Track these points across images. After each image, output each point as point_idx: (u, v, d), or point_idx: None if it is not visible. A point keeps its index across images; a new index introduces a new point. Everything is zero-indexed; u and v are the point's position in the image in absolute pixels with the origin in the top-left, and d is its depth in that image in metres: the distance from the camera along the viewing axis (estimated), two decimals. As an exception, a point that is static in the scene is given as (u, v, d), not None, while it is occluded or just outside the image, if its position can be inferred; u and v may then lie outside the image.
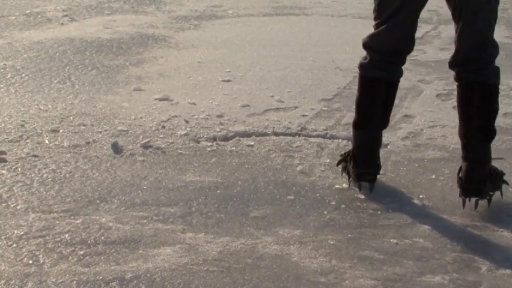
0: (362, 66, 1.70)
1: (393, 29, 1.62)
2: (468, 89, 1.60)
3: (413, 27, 1.66)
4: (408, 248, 1.47)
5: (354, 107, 2.46)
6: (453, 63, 1.62)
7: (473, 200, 1.59)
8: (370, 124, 1.70)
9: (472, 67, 1.59)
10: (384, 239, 1.50)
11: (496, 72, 1.62)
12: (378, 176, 1.73)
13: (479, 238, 1.51)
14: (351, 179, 1.71)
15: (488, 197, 1.61)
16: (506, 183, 1.67)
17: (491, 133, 1.61)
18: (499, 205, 1.67)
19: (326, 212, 1.61)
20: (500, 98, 2.54)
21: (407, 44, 1.66)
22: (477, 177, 1.58)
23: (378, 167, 1.71)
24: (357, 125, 1.72)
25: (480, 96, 1.59)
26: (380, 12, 1.63)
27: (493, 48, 1.60)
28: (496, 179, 1.64)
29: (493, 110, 1.61)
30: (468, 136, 1.60)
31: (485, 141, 1.60)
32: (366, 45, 1.67)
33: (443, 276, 1.36)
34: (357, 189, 1.74)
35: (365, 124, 1.70)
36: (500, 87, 2.75)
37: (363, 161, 1.69)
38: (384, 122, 1.72)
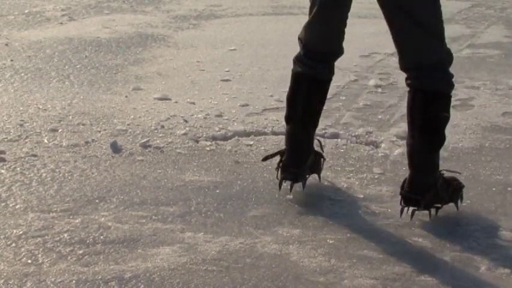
0: (293, 60, 1.66)
1: (313, 26, 1.59)
2: (412, 96, 1.53)
3: (332, 29, 1.59)
4: (408, 247, 1.47)
5: (354, 106, 2.48)
6: (401, 68, 1.56)
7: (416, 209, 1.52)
8: (291, 121, 1.64)
9: (415, 73, 1.51)
10: (383, 239, 1.50)
11: (446, 79, 1.51)
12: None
13: (479, 238, 1.51)
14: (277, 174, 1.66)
15: (432, 209, 1.54)
16: (461, 198, 1.60)
17: (434, 142, 1.52)
18: (499, 205, 1.67)
19: (325, 212, 1.61)
20: (499, 98, 2.57)
21: (328, 44, 1.60)
22: (415, 187, 1.51)
23: (303, 169, 1.62)
24: (285, 119, 1.67)
25: (423, 103, 1.50)
26: (310, 7, 1.60)
27: (441, 54, 1.50)
28: (448, 191, 1.56)
29: (439, 118, 1.52)
30: (411, 144, 1.53)
31: (428, 150, 1.52)
32: (298, 38, 1.63)
33: (442, 275, 1.36)
34: (357, 189, 1.74)
35: (288, 120, 1.65)
36: (499, 86, 2.80)
37: (287, 157, 1.64)
38: (307, 121, 1.62)
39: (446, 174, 1.61)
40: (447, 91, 1.53)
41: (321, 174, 1.80)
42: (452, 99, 2.52)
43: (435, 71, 1.50)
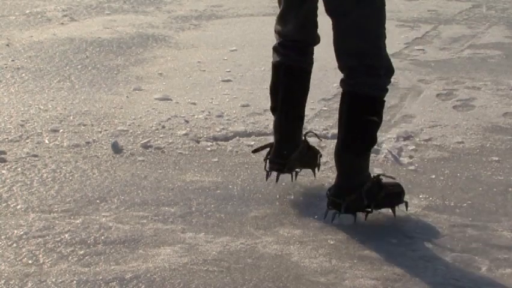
0: (272, 50, 1.66)
1: (284, 16, 1.59)
2: (341, 97, 1.52)
3: (302, 18, 1.57)
4: (408, 248, 1.46)
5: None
6: (338, 68, 1.55)
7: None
8: (275, 112, 1.64)
9: (346, 74, 1.50)
10: (384, 239, 1.49)
11: (377, 83, 1.48)
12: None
13: (479, 238, 1.51)
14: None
15: (359, 213, 1.51)
16: (401, 203, 1.55)
17: (358, 145, 1.50)
18: (500, 205, 1.67)
19: (325, 211, 1.61)
20: (500, 98, 2.56)
21: (300, 33, 1.58)
22: (337, 190, 1.50)
23: (289, 160, 1.62)
24: (270, 110, 1.68)
25: (349, 105, 1.49)
26: None
27: (374, 58, 1.48)
28: (378, 195, 1.51)
29: (364, 122, 1.49)
30: (336, 145, 1.52)
31: (350, 152, 1.50)
32: (274, 29, 1.63)
33: (443, 276, 1.36)
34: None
35: (272, 111, 1.66)
36: (500, 87, 2.80)
37: (273, 149, 1.65)
38: (289, 111, 1.62)
39: (396, 179, 1.61)
40: (375, 95, 1.49)
41: (322, 175, 1.80)
42: (454, 99, 2.57)
43: (366, 75, 1.48)
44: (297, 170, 1.71)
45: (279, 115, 1.64)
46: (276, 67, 1.65)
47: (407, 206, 1.59)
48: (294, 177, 1.70)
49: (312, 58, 1.66)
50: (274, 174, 1.70)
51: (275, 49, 1.64)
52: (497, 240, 1.50)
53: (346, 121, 1.51)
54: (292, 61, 1.62)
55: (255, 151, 1.73)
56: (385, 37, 1.51)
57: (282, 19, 1.61)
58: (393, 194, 1.56)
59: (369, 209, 1.53)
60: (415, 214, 1.62)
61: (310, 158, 1.72)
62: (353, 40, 1.48)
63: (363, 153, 1.52)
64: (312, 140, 2.10)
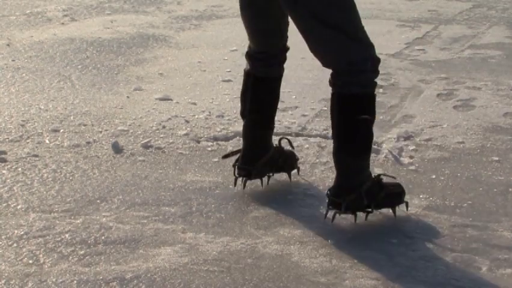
0: None
1: (245, 27, 1.61)
2: (331, 98, 1.51)
3: (255, 29, 1.57)
4: (409, 248, 1.46)
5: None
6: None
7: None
8: (243, 117, 1.66)
9: (332, 75, 1.49)
10: (384, 239, 1.49)
11: (362, 80, 1.46)
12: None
13: (479, 238, 1.51)
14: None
15: (360, 213, 1.50)
16: (401, 203, 1.55)
17: (353, 145, 1.48)
18: (500, 206, 1.67)
19: (325, 212, 1.61)
20: (500, 98, 2.56)
21: (257, 44, 1.59)
22: (336, 190, 1.50)
23: (257, 166, 1.62)
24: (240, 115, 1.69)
25: (337, 106, 1.48)
26: None
27: (355, 56, 1.45)
28: (379, 195, 1.51)
29: (355, 121, 1.47)
30: (333, 146, 1.51)
31: (347, 153, 1.49)
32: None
33: (444, 276, 1.36)
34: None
35: (241, 115, 1.67)
36: (501, 87, 2.79)
37: (241, 154, 1.66)
38: (256, 119, 1.62)
39: (394, 179, 1.60)
40: (362, 93, 1.47)
41: (322, 175, 1.80)
42: (454, 99, 2.57)
43: (349, 74, 1.46)
44: (270, 174, 1.71)
45: (247, 122, 1.65)
46: (245, 75, 1.66)
47: (407, 206, 1.59)
48: (266, 181, 1.70)
49: (282, 67, 1.64)
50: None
51: (246, 56, 1.66)
52: (497, 241, 1.49)
53: (337, 123, 1.50)
54: (259, 72, 1.63)
55: (225, 157, 1.74)
56: (362, 27, 1.45)
57: (245, 29, 1.61)
58: (394, 194, 1.56)
59: (370, 209, 1.53)
60: (415, 214, 1.62)
61: (283, 163, 1.72)
62: (328, 39, 1.44)
63: (360, 153, 1.51)
64: (314, 140, 2.10)
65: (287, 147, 1.78)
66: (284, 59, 1.64)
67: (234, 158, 1.73)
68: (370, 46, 1.48)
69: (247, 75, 1.65)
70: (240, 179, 1.68)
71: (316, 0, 1.42)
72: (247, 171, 1.65)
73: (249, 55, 1.64)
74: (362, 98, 1.49)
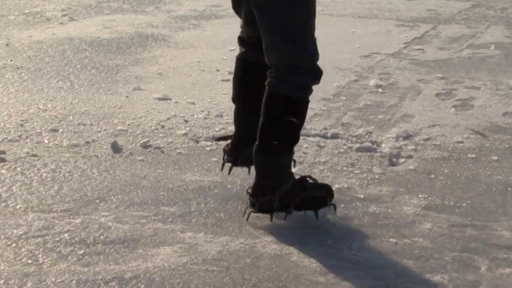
0: None
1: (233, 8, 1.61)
2: (264, 96, 1.49)
3: (250, 11, 1.53)
4: (408, 247, 1.46)
5: (354, 106, 2.47)
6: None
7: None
8: (234, 102, 1.65)
9: (270, 72, 1.48)
10: (384, 239, 1.49)
11: (297, 82, 1.45)
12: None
13: (479, 238, 1.51)
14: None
15: (276, 213, 1.49)
16: (323, 206, 1.52)
17: (272, 146, 1.46)
18: (499, 205, 1.67)
19: (325, 212, 1.60)
20: (499, 98, 2.56)
21: (249, 27, 1.57)
22: (253, 190, 1.49)
23: (245, 153, 1.58)
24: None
25: (265, 104, 1.47)
26: None
27: (295, 58, 1.45)
28: (298, 197, 1.48)
29: (281, 123, 1.46)
30: (255, 144, 1.50)
31: (267, 154, 1.47)
32: None
33: (443, 275, 1.36)
34: (357, 189, 1.74)
35: (232, 101, 1.66)
36: (500, 86, 2.80)
37: (232, 140, 1.64)
38: (244, 104, 1.59)
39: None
40: (294, 95, 1.46)
41: (321, 175, 1.80)
42: (453, 99, 2.57)
43: (287, 75, 1.45)
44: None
45: (236, 108, 1.64)
46: (237, 59, 1.64)
47: (335, 209, 1.56)
48: (249, 171, 1.66)
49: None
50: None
51: (238, 41, 1.63)
52: (496, 240, 1.49)
53: (263, 121, 1.48)
54: (247, 56, 1.60)
55: (219, 139, 1.72)
56: (313, 37, 1.47)
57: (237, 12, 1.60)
58: (317, 197, 1.52)
59: (288, 209, 1.50)
60: (415, 214, 1.62)
61: None
62: (277, 37, 1.45)
63: (280, 154, 1.49)
64: (314, 140, 2.10)
65: None
66: None
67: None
68: (314, 57, 1.49)
69: (238, 60, 1.63)
70: (227, 165, 1.66)
71: (279, 8, 1.44)
72: (234, 157, 1.63)
73: (240, 39, 1.62)
74: (293, 100, 1.47)
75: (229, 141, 1.69)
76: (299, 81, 1.47)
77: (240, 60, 1.63)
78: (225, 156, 1.66)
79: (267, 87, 1.49)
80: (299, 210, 1.53)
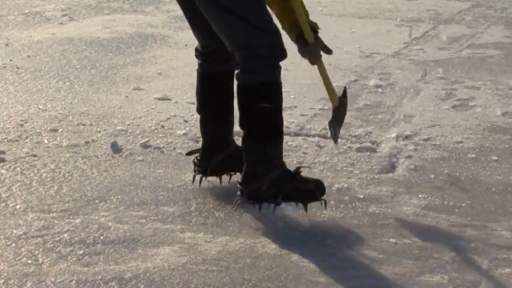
0: None
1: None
2: (236, 85, 1.51)
3: (195, 24, 1.59)
4: (408, 247, 1.46)
5: (354, 106, 2.47)
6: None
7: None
8: (198, 113, 1.67)
9: (238, 61, 1.49)
10: (383, 239, 1.49)
11: (255, 67, 1.45)
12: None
13: (478, 238, 1.51)
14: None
15: (266, 203, 1.49)
16: (313, 200, 1.51)
17: (254, 133, 1.47)
18: (499, 205, 1.67)
19: (325, 212, 1.61)
20: (499, 98, 2.57)
21: (200, 39, 1.61)
22: (242, 178, 1.51)
23: (213, 163, 1.61)
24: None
25: (238, 94, 1.49)
26: None
27: (251, 41, 1.45)
28: (286, 188, 1.49)
29: (255, 109, 1.46)
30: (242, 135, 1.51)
31: (250, 141, 1.48)
32: None
33: (442, 275, 1.36)
34: (357, 189, 1.74)
35: (197, 111, 1.68)
36: (500, 86, 2.80)
37: (201, 150, 1.67)
38: (208, 114, 1.61)
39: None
40: (257, 81, 1.46)
41: (322, 175, 1.80)
42: (453, 99, 2.57)
43: (247, 61, 1.46)
44: (232, 173, 1.69)
45: (200, 118, 1.67)
46: (196, 72, 1.67)
47: (325, 206, 1.55)
48: (228, 180, 1.67)
49: (231, 63, 1.56)
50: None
51: (194, 53, 1.67)
52: (496, 240, 1.49)
53: (240, 112, 1.50)
54: (203, 68, 1.64)
55: (189, 154, 1.73)
56: (263, 16, 1.46)
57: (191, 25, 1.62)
58: (306, 190, 1.52)
59: (277, 200, 1.50)
60: (414, 214, 1.61)
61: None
62: (226, 23, 1.46)
63: (265, 142, 1.49)
64: (313, 140, 2.10)
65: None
66: (225, 55, 1.58)
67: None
68: (270, 33, 1.47)
69: (197, 72, 1.66)
70: (198, 176, 1.68)
71: None
72: (203, 167, 1.65)
73: (196, 51, 1.65)
74: (259, 87, 1.47)
75: (198, 154, 1.70)
76: (258, 67, 1.47)
77: (198, 73, 1.66)
78: (195, 168, 1.68)
79: (236, 81, 1.51)
80: (288, 201, 1.53)
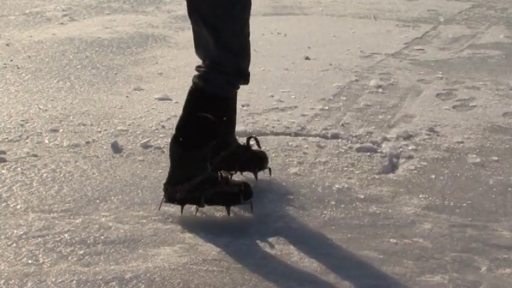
0: None
1: None
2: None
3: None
4: (408, 247, 1.47)
5: (354, 106, 2.47)
6: None
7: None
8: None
9: (196, 68, 1.53)
10: (384, 239, 1.49)
11: (215, 79, 1.49)
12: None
13: (479, 238, 1.51)
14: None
15: (188, 204, 1.51)
16: (236, 203, 1.52)
17: (187, 140, 1.50)
18: (500, 205, 1.67)
19: (325, 212, 1.61)
20: (499, 98, 2.57)
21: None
22: (167, 179, 1.53)
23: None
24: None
25: (188, 97, 1.52)
26: None
27: (215, 55, 1.49)
28: (207, 192, 1.51)
29: (196, 118, 1.49)
30: (172, 135, 1.54)
31: (175, 144, 1.51)
32: None
33: (443, 276, 1.36)
34: (358, 189, 1.75)
35: None
36: (500, 87, 2.80)
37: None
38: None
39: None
40: (209, 91, 1.49)
41: (322, 175, 1.80)
42: (453, 99, 2.57)
43: (211, 71, 1.50)
44: (232, 172, 1.67)
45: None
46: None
47: (251, 208, 1.56)
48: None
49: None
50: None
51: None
52: (496, 240, 1.49)
53: (182, 114, 1.52)
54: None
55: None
56: (241, 38, 1.49)
57: None
58: (229, 193, 1.53)
59: (200, 202, 1.52)
60: (415, 214, 1.62)
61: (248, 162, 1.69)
62: (202, 33, 1.49)
63: (193, 148, 1.51)
64: (314, 140, 2.10)
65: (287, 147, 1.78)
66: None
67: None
68: (240, 58, 1.50)
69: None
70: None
71: (207, 10, 1.48)
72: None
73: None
74: (212, 98, 1.50)
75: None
76: (220, 81, 1.50)
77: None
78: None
79: (192, 82, 1.53)
80: (210, 205, 1.55)
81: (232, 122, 1.65)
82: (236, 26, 1.49)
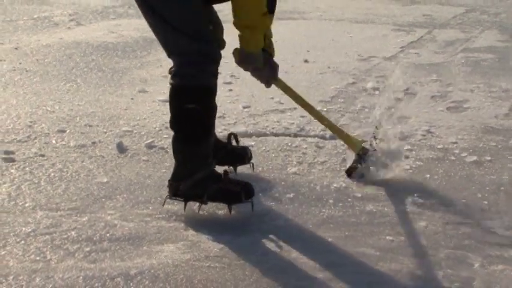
0: None
1: None
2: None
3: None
4: (404, 245, 1.49)
5: (352, 108, 2.50)
6: None
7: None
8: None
9: (172, 65, 1.56)
10: (380, 236, 1.52)
11: (189, 72, 1.51)
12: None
13: (472, 235, 1.53)
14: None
15: (192, 201, 1.54)
16: (237, 202, 1.53)
17: (182, 134, 1.52)
18: (492, 204, 1.70)
19: (324, 210, 1.64)
20: (492, 100, 2.60)
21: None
22: (171, 175, 1.55)
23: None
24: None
25: (170, 96, 1.55)
26: None
27: (184, 48, 1.51)
28: (210, 188, 1.52)
29: (183, 110, 1.51)
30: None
31: (175, 141, 1.54)
32: None
33: (437, 272, 1.39)
34: (355, 188, 1.78)
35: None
36: (493, 89, 2.82)
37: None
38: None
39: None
40: (189, 84, 1.51)
41: (321, 174, 1.82)
42: (448, 101, 2.60)
43: (177, 64, 1.52)
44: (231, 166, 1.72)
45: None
46: None
47: (252, 207, 1.58)
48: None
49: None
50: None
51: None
52: (489, 238, 1.52)
53: (170, 112, 1.54)
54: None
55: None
56: (198, 23, 1.50)
57: None
58: (231, 192, 1.55)
59: (202, 199, 1.54)
60: (410, 212, 1.64)
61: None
62: (162, 32, 1.51)
63: (191, 143, 1.53)
64: (312, 141, 2.13)
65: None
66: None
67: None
68: (204, 42, 1.51)
69: None
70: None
71: (161, 3, 1.49)
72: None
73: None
74: (189, 89, 1.52)
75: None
76: (191, 71, 1.51)
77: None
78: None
79: (169, 80, 1.55)
80: (213, 201, 1.57)
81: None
82: (188, 15, 1.49)
